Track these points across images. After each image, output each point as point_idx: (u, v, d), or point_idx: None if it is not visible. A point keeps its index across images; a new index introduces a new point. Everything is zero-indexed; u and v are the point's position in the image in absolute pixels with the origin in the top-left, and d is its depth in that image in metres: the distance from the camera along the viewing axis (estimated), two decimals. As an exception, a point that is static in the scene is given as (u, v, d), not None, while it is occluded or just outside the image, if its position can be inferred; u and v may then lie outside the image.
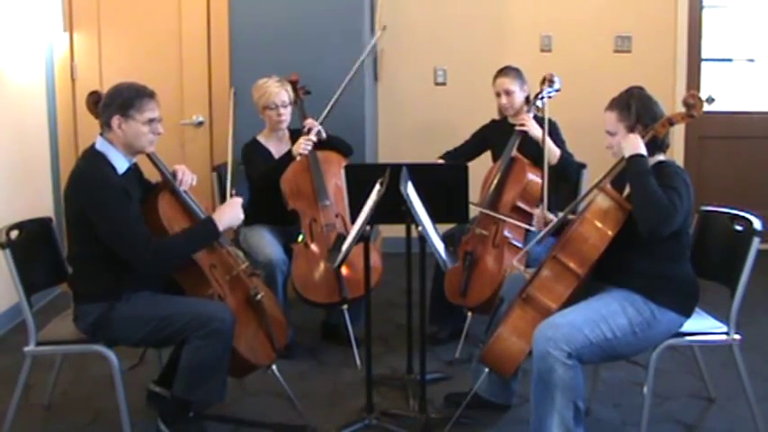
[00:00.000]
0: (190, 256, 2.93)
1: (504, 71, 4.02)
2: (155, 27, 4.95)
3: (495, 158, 4.11)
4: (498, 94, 4.02)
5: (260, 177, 3.94)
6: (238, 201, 3.07)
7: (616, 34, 5.66)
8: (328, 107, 4.02)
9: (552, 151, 3.80)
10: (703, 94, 2.76)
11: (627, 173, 2.73)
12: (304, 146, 3.86)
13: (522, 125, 3.85)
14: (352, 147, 4.18)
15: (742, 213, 2.93)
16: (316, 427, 3.13)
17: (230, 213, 3.01)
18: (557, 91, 3.90)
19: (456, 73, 5.75)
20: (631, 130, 2.77)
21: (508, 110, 4.02)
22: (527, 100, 4.01)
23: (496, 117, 4.19)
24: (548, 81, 3.87)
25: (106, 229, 2.79)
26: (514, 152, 3.87)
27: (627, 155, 2.72)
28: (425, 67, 5.77)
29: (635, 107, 2.77)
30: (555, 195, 3.77)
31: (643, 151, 2.71)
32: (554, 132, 3.91)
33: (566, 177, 3.90)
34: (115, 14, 4.95)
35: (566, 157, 3.89)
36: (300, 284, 3.80)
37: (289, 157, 3.89)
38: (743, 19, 5.80)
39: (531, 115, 3.90)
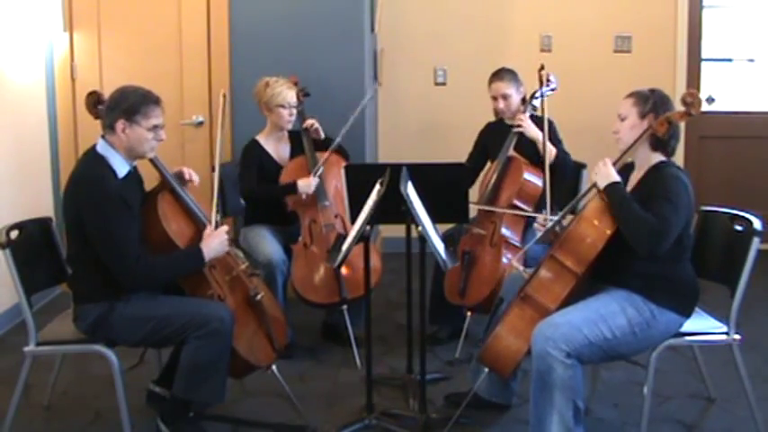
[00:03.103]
0: (172, 280, 2.95)
1: (499, 75, 3.98)
2: (155, 27, 4.94)
3: (492, 159, 4.08)
4: (495, 98, 3.99)
5: (256, 192, 3.94)
6: (224, 230, 3.04)
7: (616, 34, 5.66)
8: (343, 131, 3.86)
9: (548, 150, 3.76)
10: (703, 94, 2.78)
11: (609, 203, 2.73)
12: (314, 186, 3.84)
13: (519, 125, 3.84)
14: (352, 149, 4.16)
15: (742, 213, 2.93)
16: (316, 427, 3.13)
17: (217, 245, 2.98)
18: (553, 90, 3.88)
19: (456, 73, 5.75)
20: (643, 116, 2.81)
21: (505, 113, 3.99)
22: (523, 100, 3.99)
23: (492, 119, 4.17)
24: (545, 80, 3.85)
25: (98, 236, 2.79)
26: (511, 151, 3.86)
27: (601, 186, 2.76)
28: (425, 67, 5.77)
29: (653, 99, 2.83)
30: (553, 195, 3.76)
31: (616, 179, 2.74)
32: (551, 131, 3.87)
33: (561, 177, 3.87)
34: (115, 14, 4.94)
35: (561, 156, 3.87)
36: (300, 285, 3.80)
37: (292, 188, 3.86)
38: (743, 19, 5.79)
39: (528, 115, 3.88)
